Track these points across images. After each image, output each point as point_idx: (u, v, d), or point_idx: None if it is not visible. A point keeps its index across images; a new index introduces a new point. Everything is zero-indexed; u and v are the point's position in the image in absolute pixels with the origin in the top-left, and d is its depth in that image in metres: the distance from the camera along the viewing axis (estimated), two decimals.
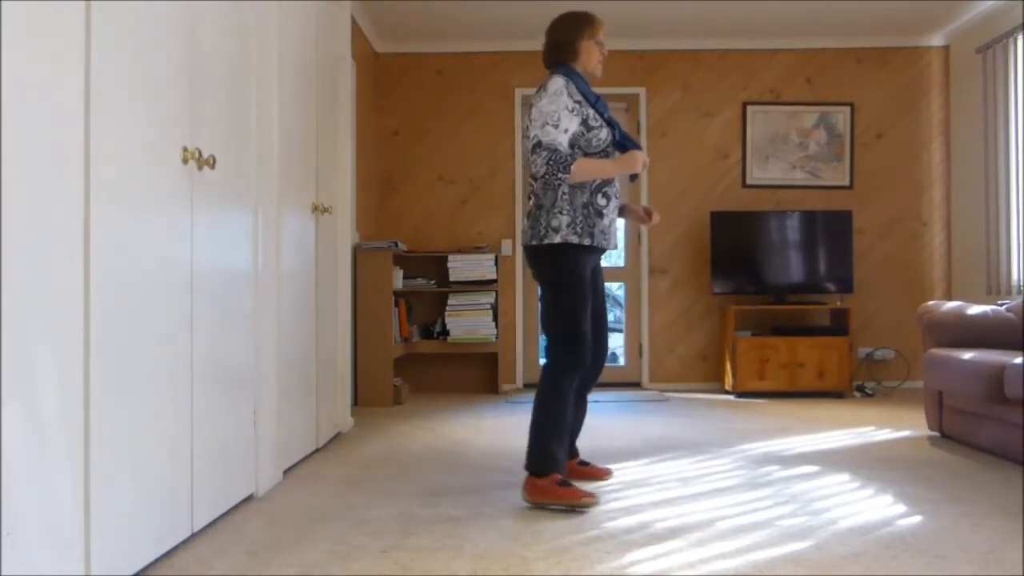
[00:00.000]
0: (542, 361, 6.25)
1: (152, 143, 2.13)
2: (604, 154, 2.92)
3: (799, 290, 5.87)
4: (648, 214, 3.17)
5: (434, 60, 6.22)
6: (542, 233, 2.85)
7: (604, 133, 2.90)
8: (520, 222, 6.16)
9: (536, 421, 2.84)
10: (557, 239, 2.83)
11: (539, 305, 6.21)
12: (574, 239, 2.83)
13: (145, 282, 2.09)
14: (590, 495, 2.73)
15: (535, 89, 2.94)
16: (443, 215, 6.21)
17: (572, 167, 2.79)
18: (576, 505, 2.69)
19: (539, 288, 3.04)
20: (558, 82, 2.85)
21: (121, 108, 1.97)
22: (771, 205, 6.13)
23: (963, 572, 2.10)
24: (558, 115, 2.81)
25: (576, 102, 2.85)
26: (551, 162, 2.78)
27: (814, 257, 5.87)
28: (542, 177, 2.80)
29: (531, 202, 2.96)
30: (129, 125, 2.01)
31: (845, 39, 6.14)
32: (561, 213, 2.84)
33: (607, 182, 2.92)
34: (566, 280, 2.85)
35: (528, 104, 2.89)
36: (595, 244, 2.88)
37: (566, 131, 2.82)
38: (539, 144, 2.79)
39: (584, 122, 2.85)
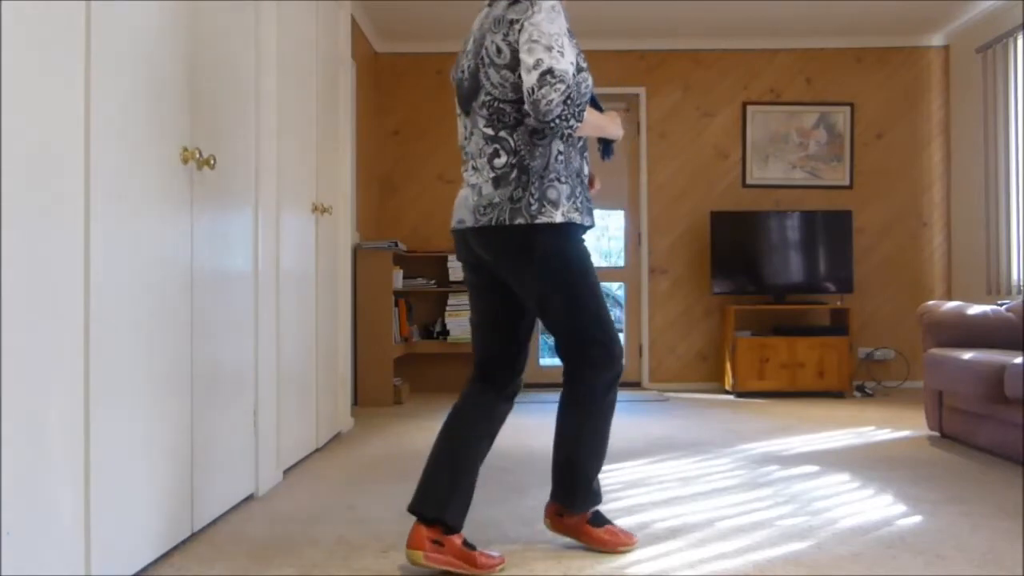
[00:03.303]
0: (542, 361, 6.28)
1: (152, 143, 2.13)
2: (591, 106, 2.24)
3: (799, 290, 5.86)
4: (591, 180, 2.42)
5: (434, 60, 6.22)
6: (534, 208, 2.10)
7: (591, 79, 2.21)
8: None
9: (574, 457, 2.26)
10: (558, 217, 2.11)
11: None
12: (576, 217, 2.16)
13: (145, 282, 2.09)
14: (628, 538, 2.32)
15: (508, 4, 2.15)
16: (443, 215, 6.20)
17: (584, 114, 2.09)
18: (611, 551, 2.28)
19: (535, 290, 2.19)
20: None
21: (121, 108, 1.97)
22: (771, 205, 6.13)
23: (963, 572, 2.10)
24: (562, 40, 2.07)
25: (569, 29, 2.15)
26: (568, 101, 2.02)
27: (814, 257, 5.86)
28: (552, 121, 2.02)
29: (498, 161, 2.15)
30: (129, 125, 2.01)
31: (845, 39, 6.14)
32: (559, 181, 2.14)
33: (584, 144, 2.28)
34: (580, 270, 2.18)
35: (503, 20, 2.13)
36: (592, 224, 2.25)
37: (572, 64, 2.07)
38: (551, 73, 2.00)
39: (576, 59, 2.15)
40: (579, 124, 2.08)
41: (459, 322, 5.79)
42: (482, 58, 2.17)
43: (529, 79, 2.02)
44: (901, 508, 2.72)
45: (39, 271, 1.64)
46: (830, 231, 5.85)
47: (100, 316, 1.86)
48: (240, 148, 2.79)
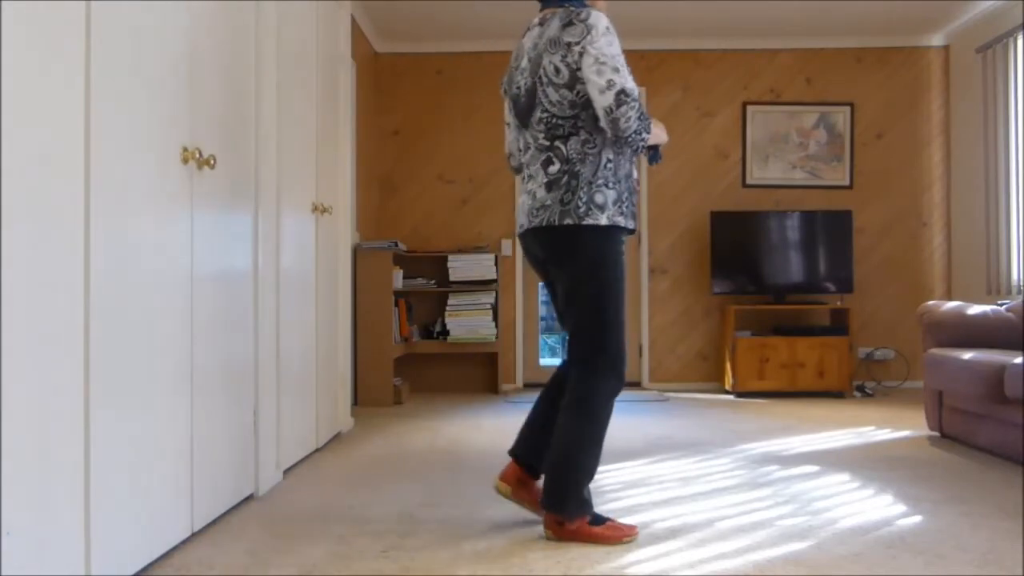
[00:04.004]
0: (542, 361, 6.27)
1: (152, 143, 2.13)
2: None
3: (799, 290, 5.87)
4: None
5: (434, 60, 6.22)
6: (582, 210, 2.29)
7: (638, 91, 2.38)
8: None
9: (567, 458, 2.33)
10: (603, 220, 2.30)
11: (542, 302, 6.24)
12: (621, 220, 2.33)
13: (145, 282, 2.09)
14: (631, 530, 2.37)
15: (561, 27, 2.32)
16: (443, 215, 6.21)
17: (651, 126, 2.32)
18: (620, 543, 2.34)
19: (570, 283, 2.38)
20: (603, 17, 2.30)
21: (121, 108, 1.97)
22: (771, 205, 6.14)
23: (963, 572, 2.10)
24: (622, 59, 2.28)
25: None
26: (642, 117, 2.27)
27: (814, 257, 5.87)
28: (629, 136, 2.26)
29: (552, 168, 2.35)
30: (129, 125, 2.01)
31: (845, 39, 6.14)
32: (607, 187, 2.32)
33: (633, 151, 2.43)
34: (612, 274, 2.34)
35: (560, 43, 2.31)
36: (634, 227, 2.41)
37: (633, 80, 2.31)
38: (624, 93, 2.23)
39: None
40: (648, 136, 2.31)
41: (459, 322, 5.79)
42: (540, 77, 2.36)
43: (605, 99, 2.24)
44: (901, 508, 2.72)
45: (39, 271, 1.64)
46: (830, 231, 5.85)
47: (100, 316, 1.86)
48: (240, 148, 2.79)
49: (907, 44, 6.18)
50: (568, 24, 2.30)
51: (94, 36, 1.83)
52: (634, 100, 2.24)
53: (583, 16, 2.29)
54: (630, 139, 2.28)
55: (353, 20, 5.14)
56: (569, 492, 2.33)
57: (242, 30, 2.81)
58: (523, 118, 2.45)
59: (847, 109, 6.17)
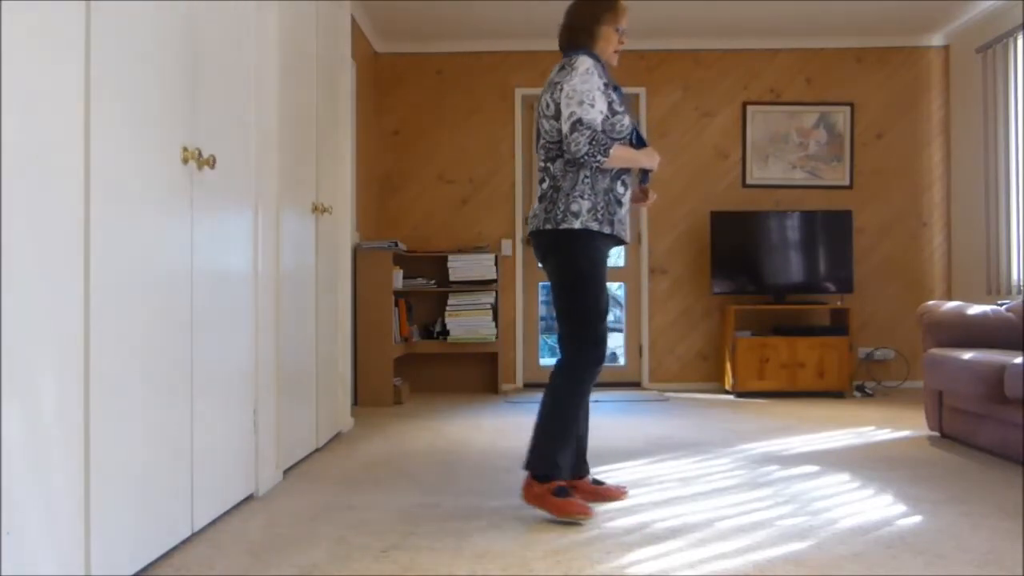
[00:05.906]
0: (542, 361, 6.28)
1: (152, 143, 2.13)
2: (626, 142, 2.81)
3: (799, 290, 5.86)
4: (645, 193, 2.97)
5: (434, 60, 6.22)
6: (559, 217, 2.69)
7: (626, 120, 2.78)
8: (519, 222, 6.17)
9: (543, 423, 2.68)
10: (577, 224, 2.67)
11: (542, 302, 6.24)
12: (594, 226, 2.68)
13: (145, 281, 2.09)
14: (584, 510, 2.57)
15: (557, 71, 2.79)
16: (443, 215, 6.21)
17: (611, 151, 2.66)
18: (567, 520, 2.55)
19: (553, 277, 2.79)
20: (587, 62, 2.71)
21: (121, 108, 1.97)
22: (771, 205, 6.13)
23: (963, 572, 2.10)
24: (593, 95, 2.67)
25: (604, 84, 2.73)
26: (593, 142, 2.63)
27: (814, 257, 5.87)
28: (581, 157, 2.64)
29: (544, 184, 2.79)
30: (129, 125, 2.01)
31: (845, 39, 6.14)
32: (582, 198, 2.69)
33: (624, 170, 2.79)
34: (585, 269, 2.69)
35: (552, 83, 2.77)
36: (614, 233, 2.74)
37: (601, 112, 2.69)
38: (580, 122, 2.62)
39: (610, 106, 2.74)
40: (605, 159, 2.66)
41: (459, 322, 5.79)
42: (540, 111, 2.83)
43: (564, 127, 2.67)
44: (901, 508, 2.72)
45: (39, 270, 1.64)
46: (830, 231, 5.85)
47: (100, 316, 1.86)
48: (240, 148, 2.79)
49: (907, 44, 6.18)
50: (561, 68, 2.77)
51: (94, 36, 1.83)
52: (587, 128, 2.62)
53: (572, 61, 2.73)
54: (583, 160, 2.65)
55: (353, 20, 5.14)
56: (541, 451, 2.65)
57: (242, 30, 2.81)
58: (535, 146, 2.93)
59: (847, 109, 6.17)
